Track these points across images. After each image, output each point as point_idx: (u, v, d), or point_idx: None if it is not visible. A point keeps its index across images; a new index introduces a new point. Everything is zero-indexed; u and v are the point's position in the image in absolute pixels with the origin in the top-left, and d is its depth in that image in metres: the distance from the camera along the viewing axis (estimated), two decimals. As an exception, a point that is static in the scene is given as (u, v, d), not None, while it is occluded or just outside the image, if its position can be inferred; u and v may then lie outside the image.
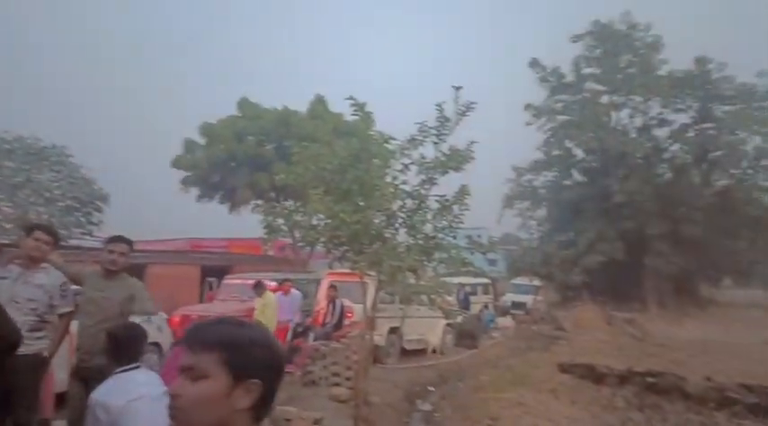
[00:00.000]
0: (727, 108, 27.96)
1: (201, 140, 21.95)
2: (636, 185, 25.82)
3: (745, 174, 28.05)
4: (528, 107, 31.06)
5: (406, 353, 11.91)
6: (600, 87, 29.83)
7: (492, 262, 35.74)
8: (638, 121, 30.11)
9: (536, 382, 9.84)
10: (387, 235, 7.48)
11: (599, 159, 28.86)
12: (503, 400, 8.41)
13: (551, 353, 13.40)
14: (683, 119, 29.13)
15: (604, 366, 11.35)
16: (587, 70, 30.36)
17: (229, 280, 12.75)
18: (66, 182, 21.90)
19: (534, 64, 30.92)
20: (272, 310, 9.18)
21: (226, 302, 11.51)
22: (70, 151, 22.41)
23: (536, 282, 26.13)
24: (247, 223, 21.66)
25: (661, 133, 29.78)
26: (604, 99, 29.85)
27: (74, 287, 3.94)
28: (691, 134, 28.62)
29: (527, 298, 23.87)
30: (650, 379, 10.10)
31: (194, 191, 22.80)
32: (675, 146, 29.25)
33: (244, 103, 22.15)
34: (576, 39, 30.30)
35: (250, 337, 1.07)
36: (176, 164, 22.01)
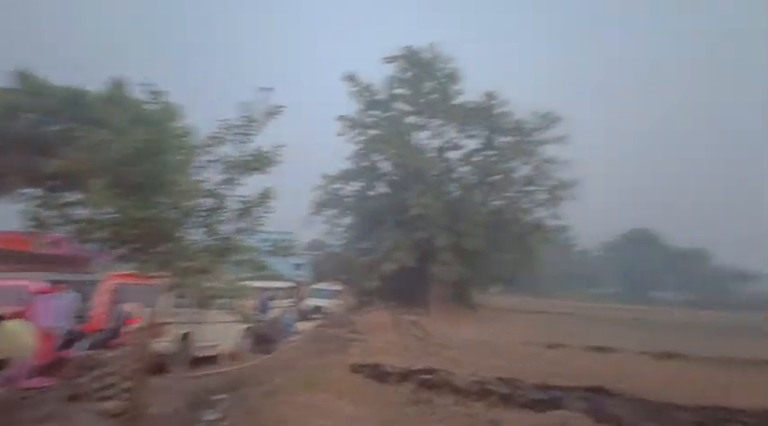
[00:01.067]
0: (505, 139, 32.57)
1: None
2: (430, 200, 28.51)
3: (514, 198, 32.92)
4: (341, 118, 32.24)
5: (198, 360, 11.33)
6: (407, 108, 32.38)
7: (298, 267, 36.07)
8: (436, 143, 33.40)
9: (328, 383, 10.13)
10: (178, 235, 7.07)
11: (400, 174, 31.20)
12: (294, 403, 8.49)
13: (346, 355, 13.94)
14: (472, 144, 33.18)
15: (389, 365, 12.20)
16: (397, 90, 32.71)
17: (-18, 281, 10.68)
18: None
19: (350, 78, 32.25)
20: (22, 338, 7.62)
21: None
22: None
23: (337, 287, 27.10)
24: (10, 214, 18.36)
25: (454, 155, 33.44)
26: (410, 119, 32.49)
27: None
28: (477, 159, 32.67)
29: (328, 303, 24.58)
30: (426, 376, 11.16)
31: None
32: (465, 168, 33.09)
33: (22, 76, 18.83)
34: (390, 60, 32.46)
35: None
36: None
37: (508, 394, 10.24)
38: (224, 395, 9.62)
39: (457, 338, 19.19)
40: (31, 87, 18.56)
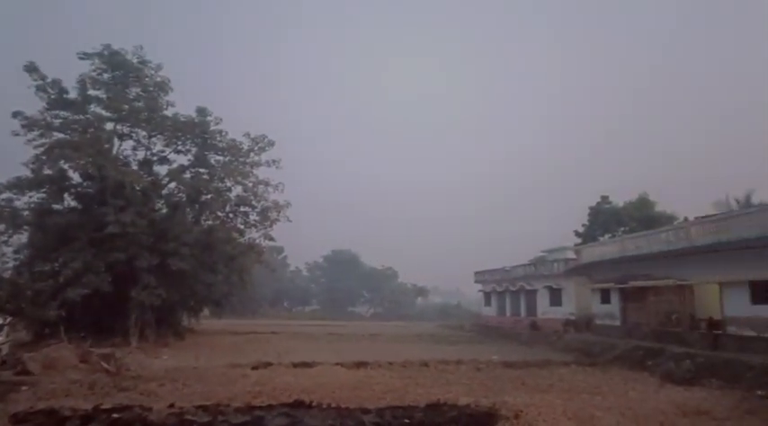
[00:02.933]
0: (218, 157, 31.97)
1: None
2: (131, 217, 25.81)
3: (227, 217, 32.45)
4: (18, 115, 26.82)
5: None
6: (106, 113, 28.84)
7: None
8: (141, 155, 30.66)
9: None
10: None
11: (95, 186, 27.49)
12: None
13: (8, 402, 11.43)
14: (182, 160, 31.47)
15: (69, 408, 10.49)
16: (94, 92, 28.91)
17: None
18: None
19: (31, 69, 27.19)
20: None
21: None
22: None
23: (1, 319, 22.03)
24: None
25: (161, 170, 31.16)
26: (109, 126, 29.01)
27: None
28: (187, 175, 31.11)
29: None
30: (116, 415, 9.93)
31: None
32: (173, 184, 31.09)
33: None
34: (85, 57, 28.56)
35: None
36: None
37: (209, 423, 9.85)
38: None
39: (158, 368, 17.69)
40: None
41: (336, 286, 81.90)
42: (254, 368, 18.17)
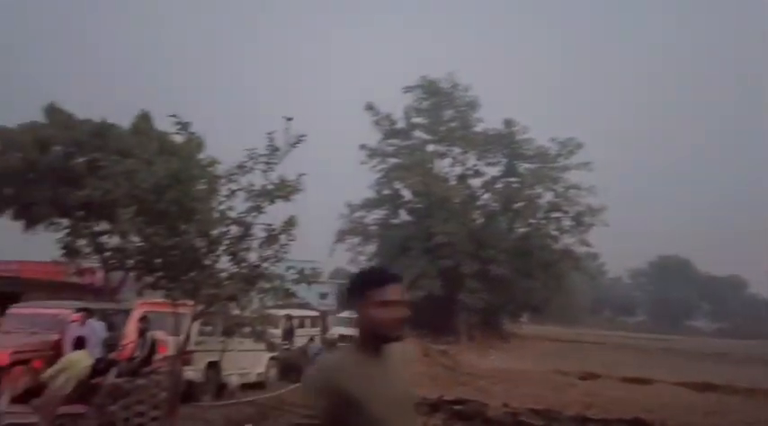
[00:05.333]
0: (527, 165, 32.36)
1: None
2: (454, 227, 28.31)
3: (540, 224, 32.46)
4: (363, 147, 32.54)
5: (226, 389, 11.22)
6: (426, 136, 32.56)
7: (323, 296, 35.99)
8: (458, 170, 33.41)
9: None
10: (206, 262, 7.08)
11: (424, 201, 31.14)
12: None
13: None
14: (493, 171, 33.04)
15: (418, 396, 11.91)
16: (416, 119, 32.98)
17: (16, 310, 10.85)
18: None
19: (369, 107, 32.68)
20: (81, 368, 7.87)
21: (10, 335, 9.75)
22: None
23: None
24: (46, 244, 18.79)
25: (475, 182, 33.33)
26: (430, 147, 32.63)
27: None
28: (499, 186, 32.48)
29: (354, 331, 24.27)
30: (457, 407, 10.85)
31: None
32: (486, 195, 32.90)
33: (51, 110, 19.54)
34: (407, 90, 32.85)
35: None
36: (-44, 171, 18.39)
37: (542, 426, 9.87)
38: (251, 425, 9.47)
39: (487, 367, 18.73)
40: (59, 121, 19.21)
41: (666, 296, 72.73)
42: (582, 378, 17.50)
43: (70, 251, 6.50)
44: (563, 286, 33.10)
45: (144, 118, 19.91)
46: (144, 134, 18.35)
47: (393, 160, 32.25)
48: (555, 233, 32.54)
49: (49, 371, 7.29)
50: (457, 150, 32.80)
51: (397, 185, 31.95)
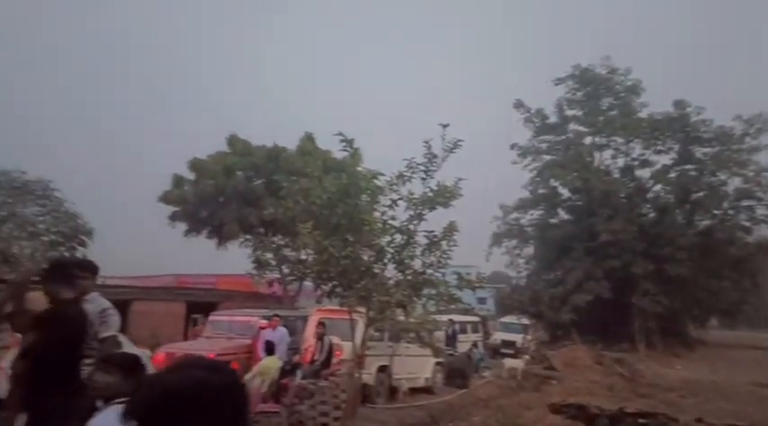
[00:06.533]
0: (706, 150, 28.68)
1: (190, 175, 21.94)
2: (620, 224, 26.12)
3: (726, 215, 28.52)
4: (513, 146, 31.63)
5: (395, 392, 11.67)
6: (583, 129, 30.56)
7: (481, 301, 35.62)
8: (621, 162, 30.77)
9: (528, 423, 9.66)
10: (376, 271, 7.46)
11: (584, 198, 29.25)
12: (494, 441, 8.23)
13: (542, 393, 13.19)
14: (664, 160, 29.78)
15: (596, 406, 11.18)
16: (570, 112, 31.14)
17: (216, 317, 12.50)
18: (51, 216, 21.58)
19: (519, 105, 31.68)
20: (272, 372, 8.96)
21: (212, 339, 11.26)
22: (55, 185, 22.19)
23: (525, 321, 25.99)
24: (235, 259, 21.42)
25: (643, 174, 30.38)
26: (587, 140, 30.55)
27: None
28: (672, 175, 29.20)
29: (516, 337, 23.68)
30: (642, 420, 9.96)
31: (181, 227, 22.62)
32: (657, 187, 29.79)
33: (233, 139, 22.29)
34: (559, 81, 31.18)
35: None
36: (164, 199, 21.88)
37: (749, 446, 8.64)
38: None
39: (671, 377, 16.94)
40: (240, 149, 21.84)
41: None
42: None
43: (261, 264, 7.44)
44: (759, 285, 28.62)
45: (309, 139, 21.74)
46: (309, 154, 20.01)
47: (547, 157, 30.83)
48: (746, 224, 28.35)
49: (249, 374, 8.27)
50: (619, 140, 30.23)
51: (554, 183, 30.42)
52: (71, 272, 3.69)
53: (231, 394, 1.07)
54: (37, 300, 3.59)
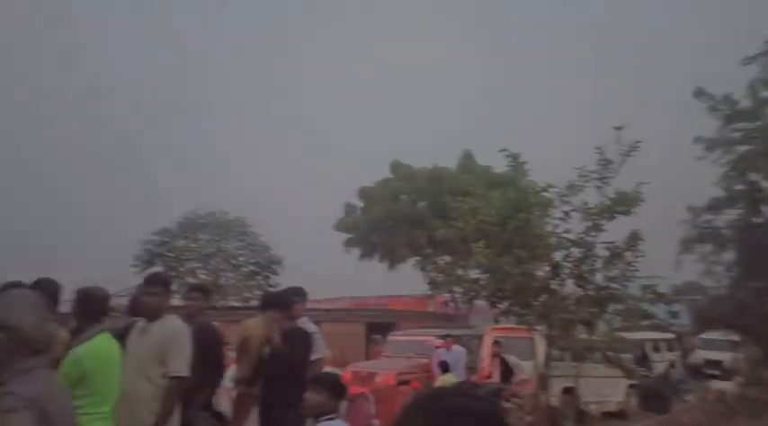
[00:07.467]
0: None
1: (360, 203, 23.48)
2: None
3: None
4: (698, 140, 28.15)
5: (583, 416, 10.94)
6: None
7: (674, 315, 31.87)
8: None
9: (749, 455, 8.39)
10: (553, 287, 7.17)
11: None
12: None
13: (763, 421, 11.36)
14: None
15: None
16: (766, 93, 26.81)
17: (396, 337, 13.01)
18: (249, 250, 24.52)
19: (700, 93, 28.18)
20: None
21: (393, 359, 11.73)
22: (249, 221, 25.22)
23: (732, 337, 22.59)
24: (404, 280, 22.20)
25: None
26: (793, 122, 25.98)
27: None
28: None
29: (723, 356, 20.68)
30: None
31: (355, 252, 24.20)
32: None
33: (396, 165, 23.32)
34: (748, 61, 27.10)
35: None
36: (339, 226, 23.67)
37: None
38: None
39: None
40: (403, 174, 22.74)
41: None
42: None
43: (436, 285, 7.67)
44: None
45: (468, 156, 21.86)
46: (470, 171, 20.09)
47: (742, 148, 26.80)
48: None
49: None
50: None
51: (753, 177, 26.27)
52: (291, 299, 4.15)
53: (493, 423, 1.12)
54: (256, 327, 4.11)
